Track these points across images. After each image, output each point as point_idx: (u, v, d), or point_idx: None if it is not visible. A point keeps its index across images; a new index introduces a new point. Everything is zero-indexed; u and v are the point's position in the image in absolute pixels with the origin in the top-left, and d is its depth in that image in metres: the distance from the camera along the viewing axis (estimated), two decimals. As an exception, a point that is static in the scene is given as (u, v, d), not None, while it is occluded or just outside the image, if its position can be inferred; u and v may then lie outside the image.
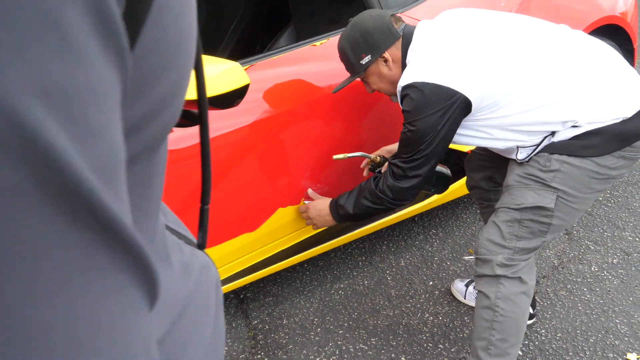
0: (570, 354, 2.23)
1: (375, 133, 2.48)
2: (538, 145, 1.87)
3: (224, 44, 3.29)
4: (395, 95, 2.10)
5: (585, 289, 2.56)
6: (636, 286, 2.57)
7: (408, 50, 2.03)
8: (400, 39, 2.05)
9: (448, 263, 2.73)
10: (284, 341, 2.30)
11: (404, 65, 2.05)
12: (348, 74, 2.15)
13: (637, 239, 2.88)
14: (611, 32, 3.09)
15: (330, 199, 2.28)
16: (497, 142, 1.94)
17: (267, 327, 2.38)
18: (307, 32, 3.01)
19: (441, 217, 3.05)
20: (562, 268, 2.69)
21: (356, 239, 2.64)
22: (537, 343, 2.27)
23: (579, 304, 2.48)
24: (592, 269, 2.69)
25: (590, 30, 2.93)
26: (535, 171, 1.87)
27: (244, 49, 3.26)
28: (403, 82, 1.94)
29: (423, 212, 2.87)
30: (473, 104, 1.84)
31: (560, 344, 2.28)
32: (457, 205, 3.10)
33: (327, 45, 2.35)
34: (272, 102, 2.17)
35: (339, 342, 2.30)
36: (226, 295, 2.50)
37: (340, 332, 2.35)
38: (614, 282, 2.60)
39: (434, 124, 1.88)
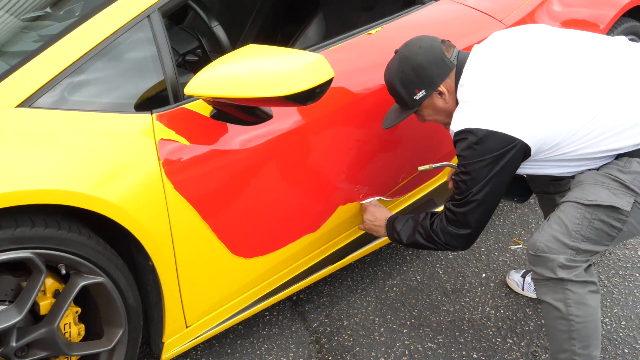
0: (639, 341, 2.20)
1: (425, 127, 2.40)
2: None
3: (244, 35, 3.14)
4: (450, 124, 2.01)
5: (637, 274, 2.54)
6: (686, 269, 2.56)
7: (458, 85, 1.91)
8: (454, 69, 1.93)
9: (496, 254, 2.67)
10: (350, 344, 2.21)
11: (456, 99, 1.93)
12: None
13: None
14: (636, 13, 3.06)
15: (390, 214, 2.20)
16: (563, 169, 1.88)
17: (328, 329, 2.29)
18: (337, 21, 2.90)
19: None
20: (609, 254, 2.66)
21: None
22: (604, 333, 2.23)
23: (635, 290, 2.46)
24: (639, 253, 2.66)
25: (622, 13, 2.89)
26: (613, 171, 1.77)
27: (265, 40, 3.12)
28: (456, 126, 1.84)
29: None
30: (532, 148, 1.77)
31: (627, 332, 2.25)
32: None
33: (383, 33, 2.24)
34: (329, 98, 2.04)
35: (405, 342, 2.22)
36: (279, 298, 2.39)
37: (405, 330, 2.27)
38: (664, 266, 2.58)
39: (487, 170, 1.79)
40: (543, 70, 1.80)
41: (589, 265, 1.82)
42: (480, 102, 1.82)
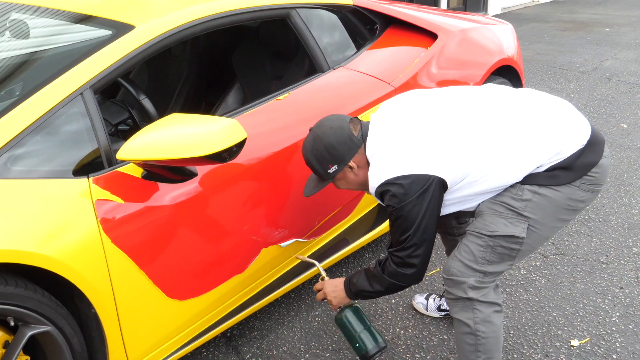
0: (526, 347, 2.36)
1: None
2: None
3: (172, 105, 3.23)
4: (367, 191, 2.05)
5: (521, 290, 2.72)
6: (561, 283, 2.76)
7: (366, 148, 1.98)
8: (363, 144, 1.99)
9: (403, 282, 2.80)
10: (279, 371, 2.28)
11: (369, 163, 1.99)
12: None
13: (550, 243, 3.09)
14: (504, 72, 3.34)
15: (344, 279, 2.16)
16: (474, 202, 1.96)
17: (259, 359, 2.34)
18: (252, 89, 3.04)
19: (386, 242, 3.14)
20: (498, 274, 2.83)
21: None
22: (496, 342, 2.37)
23: (520, 304, 2.63)
24: (522, 272, 2.86)
25: (492, 72, 3.15)
26: (507, 199, 1.87)
27: (191, 109, 3.22)
28: (375, 181, 1.89)
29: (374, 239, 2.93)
30: (447, 180, 1.84)
31: (515, 339, 2.40)
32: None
33: (290, 98, 2.38)
34: (249, 153, 2.16)
35: (328, 365, 2.30)
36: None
37: (327, 355, 2.36)
38: (542, 282, 2.78)
39: (416, 212, 1.83)
40: (435, 118, 1.89)
41: (497, 286, 1.97)
42: (389, 155, 1.88)
